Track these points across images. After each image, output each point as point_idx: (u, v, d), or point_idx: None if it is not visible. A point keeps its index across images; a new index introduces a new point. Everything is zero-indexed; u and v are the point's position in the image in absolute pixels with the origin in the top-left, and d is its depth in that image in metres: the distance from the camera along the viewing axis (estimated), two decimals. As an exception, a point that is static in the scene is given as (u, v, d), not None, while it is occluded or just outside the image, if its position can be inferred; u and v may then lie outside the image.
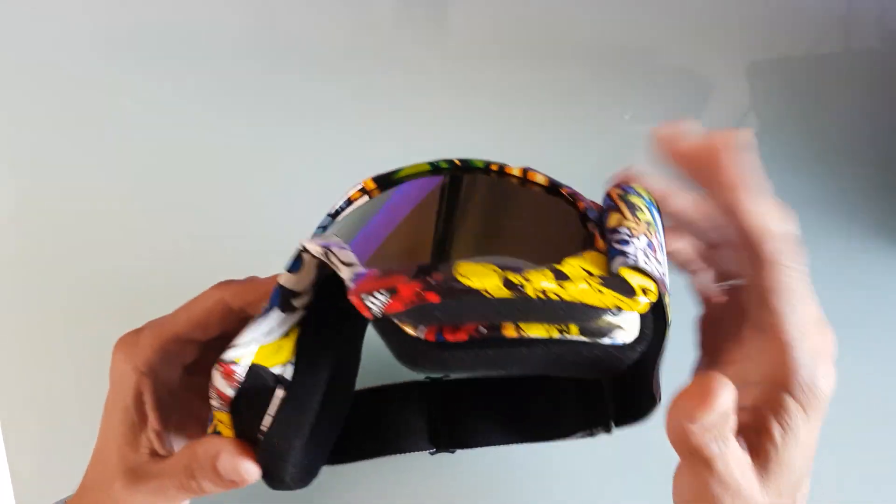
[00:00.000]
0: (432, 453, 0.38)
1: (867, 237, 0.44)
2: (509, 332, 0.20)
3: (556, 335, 0.20)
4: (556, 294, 0.19)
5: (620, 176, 0.26)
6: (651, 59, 0.46)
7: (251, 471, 0.25)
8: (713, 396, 0.20)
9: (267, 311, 0.24)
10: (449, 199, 0.25)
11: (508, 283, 0.19)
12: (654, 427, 0.32)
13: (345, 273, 0.21)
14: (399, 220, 0.24)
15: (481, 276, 0.19)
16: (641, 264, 0.20)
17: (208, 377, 0.28)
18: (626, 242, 0.20)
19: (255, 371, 0.24)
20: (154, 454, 0.28)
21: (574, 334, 0.20)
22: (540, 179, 0.25)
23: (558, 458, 0.40)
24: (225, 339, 0.27)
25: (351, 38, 0.46)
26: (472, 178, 0.25)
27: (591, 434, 0.35)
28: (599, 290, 0.19)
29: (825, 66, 0.46)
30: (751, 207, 0.23)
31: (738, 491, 0.23)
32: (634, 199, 0.23)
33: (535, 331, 0.20)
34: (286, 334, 0.24)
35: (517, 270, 0.19)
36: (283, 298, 0.23)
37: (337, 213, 0.28)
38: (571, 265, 0.20)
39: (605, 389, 0.33)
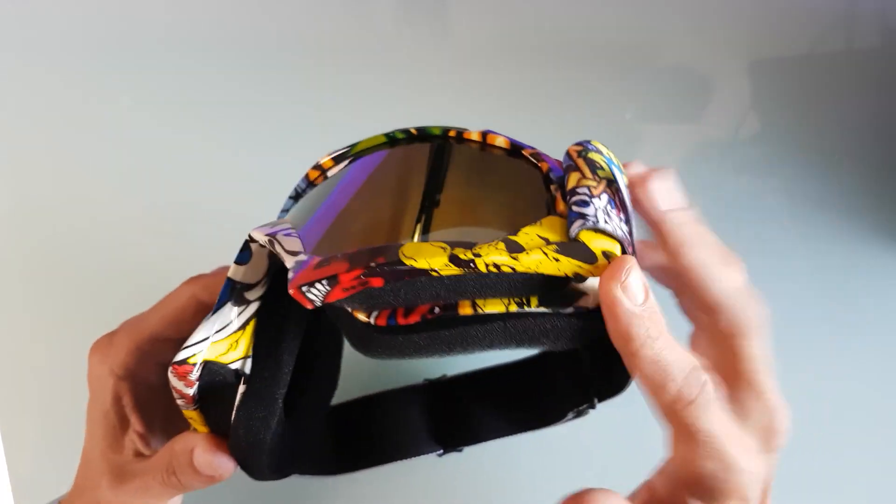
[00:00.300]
0: (440, 455, 0.38)
1: (867, 237, 0.44)
2: (465, 309, 0.19)
3: (514, 309, 0.19)
4: (509, 267, 0.18)
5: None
6: (652, 58, 0.46)
7: (225, 465, 0.25)
8: (623, 262, 0.19)
9: (218, 306, 0.23)
10: (402, 172, 0.24)
11: (456, 260, 0.18)
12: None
13: (288, 262, 0.20)
14: (348, 200, 0.23)
15: (428, 256, 0.18)
16: (602, 225, 0.19)
17: None
18: (586, 203, 0.19)
19: (210, 368, 0.23)
20: (139, 455, 0.28)
21: (534, 306, 0.19)
22: (500, 142, 0.24)
23: (561, 459, 0.40)
24: None
25: (351, 38, 0.46)
26: (429, 147, 0.24)
27: (579, 413, 0.35)
28: (556, 258, 0.18)
29: (826, 65, 0.46)
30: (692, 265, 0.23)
31: (667, 374, 0.20)
32: (594, 157, 0.22)
33: (493, 306, 0.19)
34: (242, 327, 0.23)
35: (467, 246, 0.18)
36: (234, 292, 0.23)
37: (298, 195, 0.27)
38: (527, 234, 0.19)
39: (585, 364, 0.32)
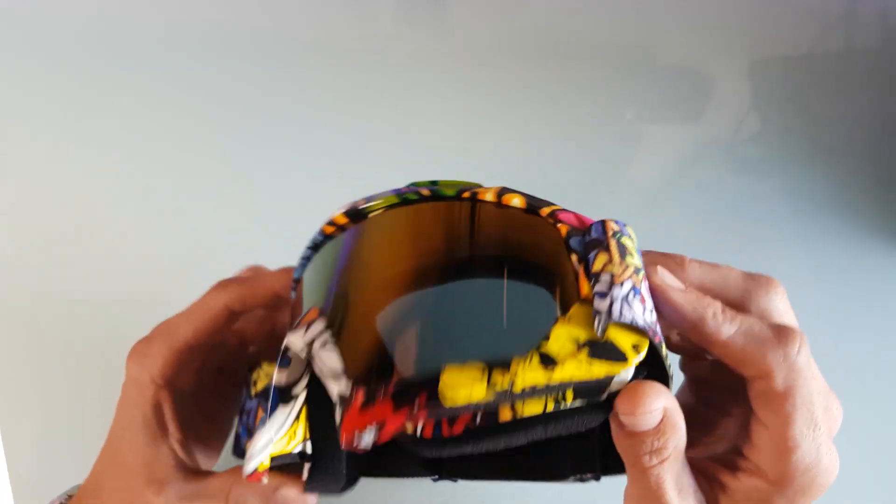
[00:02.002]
0: (435, 480, 0.38)
1: (867, 237, 0.44)
2: (505, 414, 0.20)
3: (552, 407, 0.20)
4: (545, 384, 0.19)
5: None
6: (652, 58, 0.46)
7: (307, 500, 0.26)
8: (643, 395, 0.20)
9: (272, 411, 0.23)
10: (419, 235, 0.24)
11: (496, 390, 0.19)
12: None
13: (332, 390, 0.21)
14: (366, 265, 0.24)
15: (467, 387, 0.19)
16: (626, 318, 0.19)
17: (218, 375, 0.30)
18: (606, 293, 0.20)
19: (277, 462, 0.24)
20: (180, 464, 0.29)
21: (570, 401, 0.20)
22: (517, 202, 0.23)
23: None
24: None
25: (351, 38, 0.46)
26: (444, 208, 0.24)
27: (583, 480, 0.35)
28: (589, 364, 0.19)
29: (826, 65, 0.46)
30: (725, 340, 0.22)
31: None
32: (626, 242, 0.22)
33: (532, 407, 0.20)
34: (296, 419, 0.24)
35: (503, 366, 0.19)
36: (282, 395, 0.23)
37: (316, 246, 0.28)
38: (557, 338, 0.19)
39: (593, 438, 0.32)
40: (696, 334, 0.23)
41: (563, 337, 0.19)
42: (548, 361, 0.19)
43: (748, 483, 0.23)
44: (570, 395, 0.20)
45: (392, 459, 0.36)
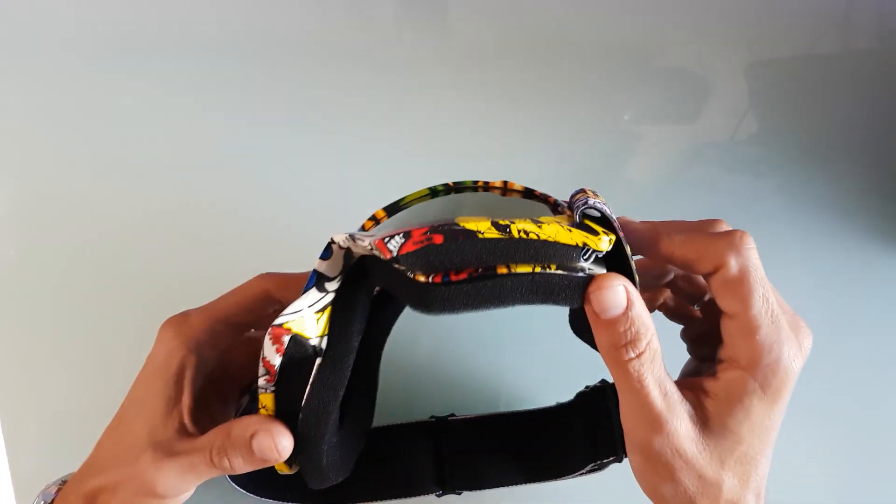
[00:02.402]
0: (439, 495, 0.38)
1: (865, 238, 0.44)
2: (502, 270, 0.24)
3: (539, 270, 0.25)
4: (535, 234, 0.24)
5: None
6: (650, 59, 0.46)
7: (285, 444, 0.27)
8: (607, 276, 0.24)
9: (306, 290, 0.28)
10: (444, 208, 0.30)
11: (496, 225, 0.24)
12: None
13: (367, 240, 0.26)
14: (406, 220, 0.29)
15: (476, 222, 0.24)
16: (598, 207, 0.26)
17: (235, 363, 0.33)
18: (586, 202, 0.26)
19: (296, 340, 0.27)
20: (182, 430, 0.30)
21: (553, 270, 0.25)
22: (517, 187, 0.29)
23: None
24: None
25: (351, 39, 0.46)
26: (464, 195, 0.30)
27: (601, 466, 0.37)
28: (569, 230, 0.24)
29: (824, 67, 0.46)
30: (685, 247, 0.27)
31: (659, 417, 0.25)
32: (599, 197, 0.28)
33: (523, 268, 0.24)
34: (322, 310, 0.28)
35: (504, 218, 0.25)
36: (318, 280, 0.28)
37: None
38: (546, 219, 0.25)
39: (614, 418, 0.35)
40: (656, 251, 0.27)
41: (549, 220, 0.25)
42: (537, 222, 0.25)
43: (726, 377, 0.26)
44: (553, 266, 0.25)
45: (399, 476, 0.37)
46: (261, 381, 0.28)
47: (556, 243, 0.24)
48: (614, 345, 0.25)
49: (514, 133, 0.45)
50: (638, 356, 0.24)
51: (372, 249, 0.25)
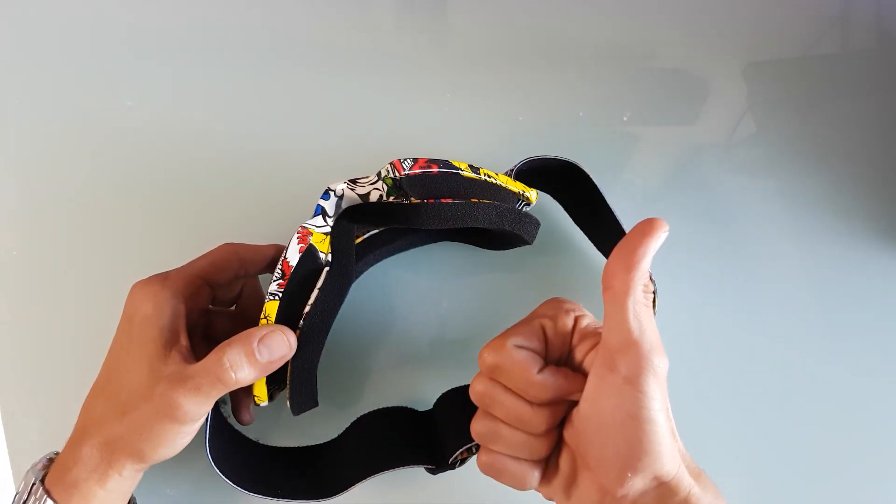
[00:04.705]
0: (434, 472, 0.38)
1: (863, 238, 0.44)
2: (473, 200, 0.36)
3: (497, 204, 0.36)
4: (494, 179, 0.36)
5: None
6: (649, 60, 0.46)
7: (294, 340, 0.32)
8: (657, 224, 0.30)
9: (315, 214, 0.35)
10: None
11: (472, 168, 0.35)
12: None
13: (374, 175, 0.36)
14: None
15: (460, 163, 0.35)
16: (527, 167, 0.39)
17: (202, 338, 0.36)
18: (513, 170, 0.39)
19: (312, 250, 0.34)
20: (187, 361, 0.31)
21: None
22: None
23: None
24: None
25: (351, 38, 0.46)
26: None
27: None
28: (514, 182, 0.37)
29: (822, 67, 0.47)
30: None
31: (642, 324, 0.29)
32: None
33: (486, 202, 0.36)
34: (327, 234, 0.35)
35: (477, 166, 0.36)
36: (322, 212, 0.35)
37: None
38: (497, 175, 0.37)
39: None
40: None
41: (502, 176, 0.37)
42: (495, 174, 0.36)
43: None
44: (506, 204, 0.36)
45: (388, 451, 0.37)
46: (272, 287, 0.33)
47: (506, 189, 0.36)
48: (632, 278, 0.29)
49: (512, 134, 0.45)
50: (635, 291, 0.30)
51: (382, 176, 0.35)
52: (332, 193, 0.35)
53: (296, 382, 0.33)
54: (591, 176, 0.40)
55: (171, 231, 0.43)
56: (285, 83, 0.45)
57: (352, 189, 0.35)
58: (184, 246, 0.43)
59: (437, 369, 0.41)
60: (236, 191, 0.44)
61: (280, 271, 0.33)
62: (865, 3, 0.47)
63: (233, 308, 0.39)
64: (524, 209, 0.38)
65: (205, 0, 0.46)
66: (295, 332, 0.33)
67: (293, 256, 0.33)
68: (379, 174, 0.35)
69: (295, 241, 0.33)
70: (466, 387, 0.39)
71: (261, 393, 0.33)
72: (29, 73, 0.45)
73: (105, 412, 0.31)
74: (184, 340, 0.32)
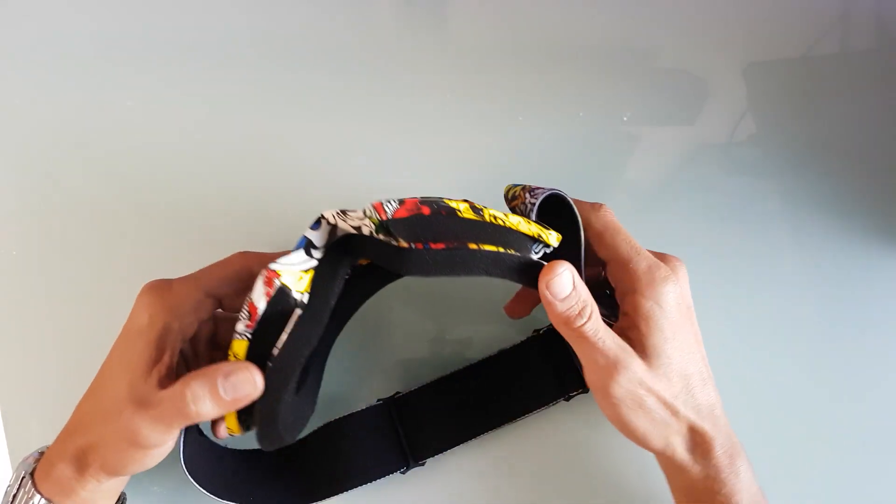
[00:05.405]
0: (403, 472, 0.39)
1: (866, 237, 0.44)
2: (472, 246, 0.30)
3: (502, 250, 0.30)
4: (502, 221, 0.30)
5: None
6: (649, 60, 0.46)
7: (260, 380, 0.30)
8: (555, 263, 0.30)
9: (296, 249, 0.31)
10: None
11: (473, 207, 0.30)
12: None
13: (360, 210, 0.31)
14: None
15: (457, 202, 0.30)
16: (561, 195, 0.33)
17: (208, 344, 0.35)
18: (545, 190, 0.32)
19: (283, 292, 0.31)
20: (161, 385, 0.31)
21: (512, 252, 0.30)
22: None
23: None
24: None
25: (351, 38, 0.46)
26: None
27: (568, 398, 0.40)
28: (528, 223, 0.31)
29: (822, 68, 0.47)
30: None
31: (617, 359, 0.30)
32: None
33: (488, 247, 0.30)
34: (307, 270, 0.32)
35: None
36: (306, 245, 0.32)
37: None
38: (511, 216, 0.31)
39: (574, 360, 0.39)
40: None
41: (515, 216, 0.31)
42: (505, 214, 0.30)
43: (629, 308, 0.32)
44: (512, 250, 0.30)
45: (360, 463, 0.39)
46: (239, 326, 0.30)
47: (517, 232, 0.30)
48: (569, 317, 0.30)
49: (512, 134, 0.45)
50: (588, 320, 0.30)
51: (367, 214, 0.30)
52: (324, 222, 0.32)
53: (261, 423, 0.31)
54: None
55: (171, 231, 0.43)
56: (286, 83, 0.45)
57: (344, 220, 0.31)
58: (184, 246, 0.43)
59: (436, 369, 0.41)
60: (236, 190, 0.44)
61: (246, 312, 0.30)
62: (865, 3, 0.47)
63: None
64: (542, 253, 0.32)
65: (206, 1, 0.46)
66: (263, 371, 0.31)
67: (259, 300, 0.30)
68: (364, 212, 0.31)
69: (261, 284, 0.30)
70: (447, 378, 0.40)
71: (232, 425, 0.32)
72: (29, 74, 0.45)
73: (90, 414, 0.32)
74: (167, 359, 0.31)
